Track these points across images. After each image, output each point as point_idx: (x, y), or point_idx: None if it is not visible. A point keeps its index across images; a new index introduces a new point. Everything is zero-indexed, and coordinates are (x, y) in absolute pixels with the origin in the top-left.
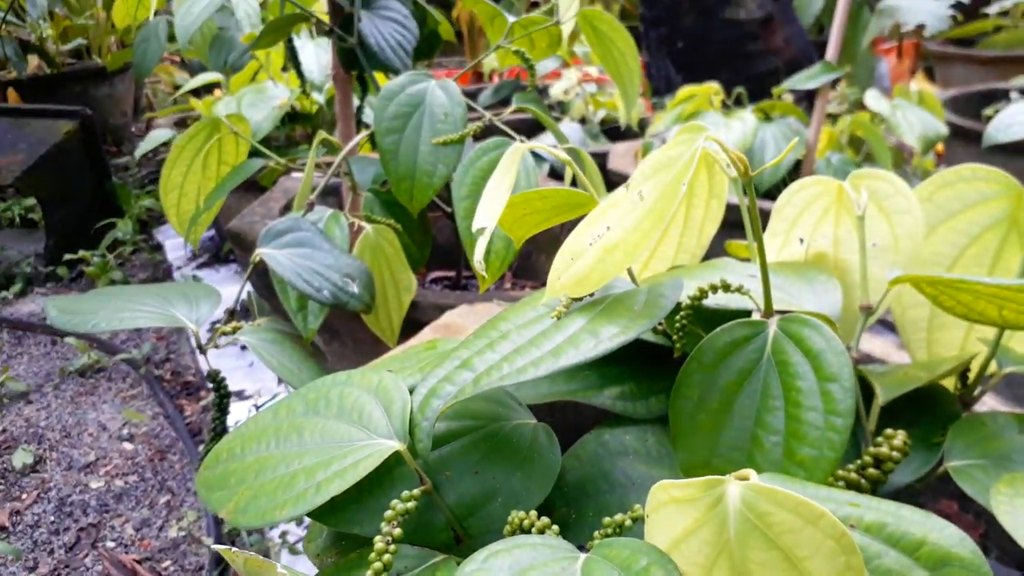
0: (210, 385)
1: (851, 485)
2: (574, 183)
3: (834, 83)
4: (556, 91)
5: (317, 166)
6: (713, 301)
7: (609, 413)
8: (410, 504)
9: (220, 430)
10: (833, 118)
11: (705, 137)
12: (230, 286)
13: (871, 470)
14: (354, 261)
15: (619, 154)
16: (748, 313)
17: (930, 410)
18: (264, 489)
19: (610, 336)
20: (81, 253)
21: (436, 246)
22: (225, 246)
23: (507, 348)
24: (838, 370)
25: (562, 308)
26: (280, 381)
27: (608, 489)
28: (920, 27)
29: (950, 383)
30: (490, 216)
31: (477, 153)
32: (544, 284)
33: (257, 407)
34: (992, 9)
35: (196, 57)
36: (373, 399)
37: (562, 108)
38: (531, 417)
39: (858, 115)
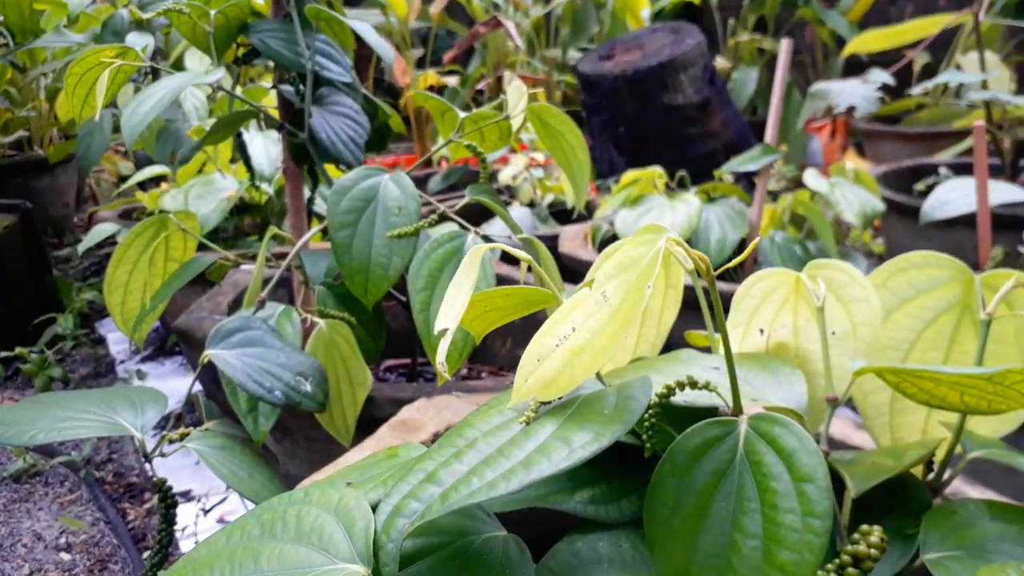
0: (156, 494)
1: None
2: (528, 269)
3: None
4: (505, 176)
5: (267, 259)
6: (680, 399)
7: (580, 518)
8: None
9: (166, 542)
10: (772, 195)
11: (666, 238)
12: (176, 379)
13: (850, 570)
14: (307, 359)
15: (569, 237)
16: (715, 410)
17: (901, 499)
18: None
19: (583, 444)
20: (18, 350)
21: (390, 333)
22: (170, 339)
23: (475, 458)
24: (812, 470)
25: (530, 413)
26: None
27: None
28: (851, 109)
29: (918, 469)
30: (452, 317)
31: (432, 245)
32: (500, 368)
33: (205, 510)
34: (916, 91)
35: (142, 148)
36: (334, 519)
37: (511, 192)
38: (500, 528)
39: (798, 194)
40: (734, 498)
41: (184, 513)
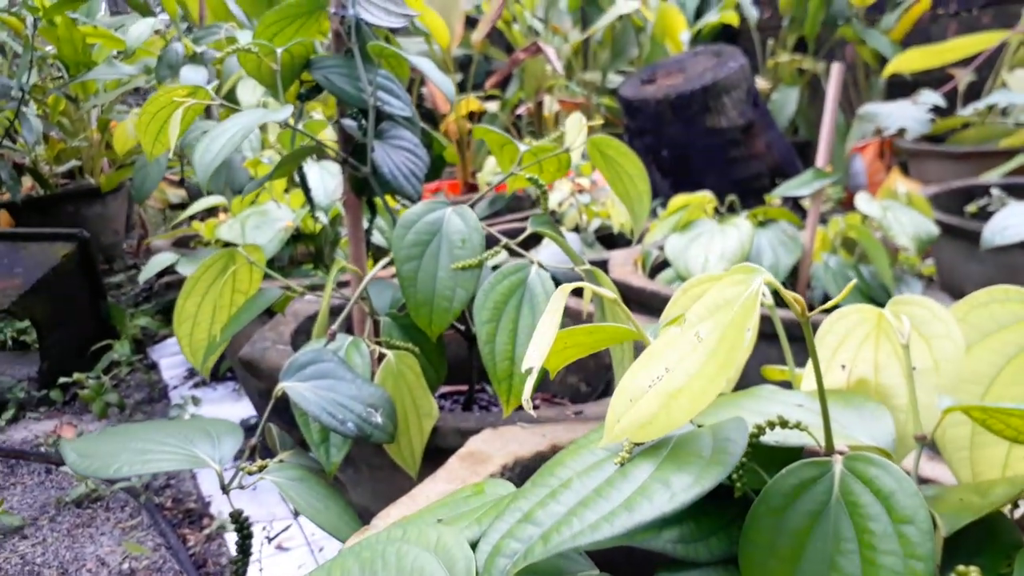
0: (231, 525)
1: None
2: (582, 292)
3: None
4: (551, 202)
5: (333, 289)
6: (771, 437)
7: (667, 557)
8: None
9: (242, 573)
10: (821, 218)
11: (762, 279)
12: (228, 404)
13: None
14: (377, 390)
15: (619, 263)
16: (801, 449)
17: (990, 538)
18: None
19: (684, 488)
20: (76, 376)
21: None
22: (224, 364)
23: (571, 499)
24: (913, 512)
25: (625, 454)
26: (298, 513)
27: None
28: (901, 131)
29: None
30: (539, 356)
31: (497, 278)
32: (554, 395)
33: (269, 538)
34: (966, 111)
35: (193, 176)
36: (434, 558)
37: (556, 218)
38: (592, 567)
39: (850, 217)
40: (831, 539)
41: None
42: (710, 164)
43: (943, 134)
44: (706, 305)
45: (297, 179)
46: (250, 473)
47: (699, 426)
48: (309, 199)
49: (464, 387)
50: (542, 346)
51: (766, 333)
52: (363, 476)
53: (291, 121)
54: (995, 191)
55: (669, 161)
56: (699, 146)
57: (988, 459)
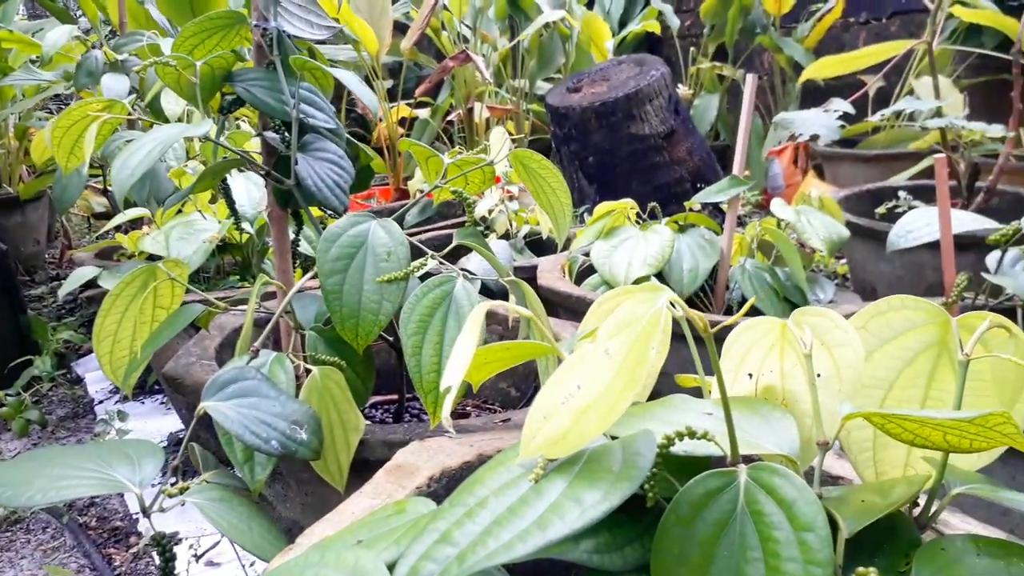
0: (154, 548)
1: None
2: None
3: None
4: (481, 209)
5: (257, 303)
6: (680, 447)
7: (585, 567)
8: None
9: None
10: (739, 221)
11: (666, 299)
12: (157, 418)
13: None
14: (301, 406)
15: (547, 269)
16: (709, 459)
17: (891, 537)
18: None
19: (594, 504)
20: None
21: (375, 371)
22: (151, 377)
23: (487, 518)
24: (812, 519)
25: (539, 471)
26: None
27: None
28: (814, 137)
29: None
30: (456, 374)
31: (423, 290)
32: (484, 400)
33: (197, 556)
34: (874, 117)
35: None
36: None
37: (487, 225)
38: None
39: (766, 221)
40: (737, 547)
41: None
42: (634, 170)
43: (856, 138)
44: (615, 322)
45: (221, 191)
46: (171, 496)
47: (613, 438)
48: (233, 211)
49: (396, 397)
50: (460, 364)
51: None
52: (292, 491)
53: (212, 135)
54: (903, 194)
55: (595, 167)
56: (623, 153)
57: (890, 459)
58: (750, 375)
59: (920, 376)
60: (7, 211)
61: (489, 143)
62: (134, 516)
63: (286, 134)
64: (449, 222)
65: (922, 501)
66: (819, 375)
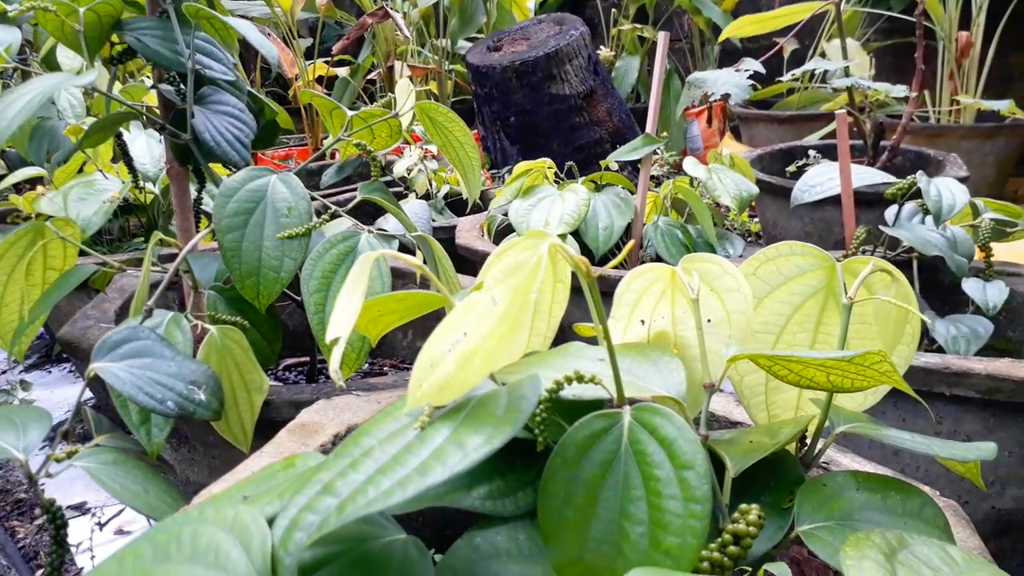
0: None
1: (714, 565)
2: (425, 261)
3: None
4: (399, 168)
5: (154, 263)
6: (569, 392)
7: (478, 514)
8: None
9: (58, 564)
10: (656, 180)
11: (548, 243)
12: (64, 388)
13: (731, 547)
14: (199, 367)
15: (465, 228)
16: (602, 402)
17: (776, 475)
18: None
19: (475, 447)
20: None
21: (288, 331)
22: (56, 346)
23: (371, 467)
24: (692, 457)
25: (425, 418)
26: None
27: None
28: (725, 96)
29: (792, 445)
30: (343, 325)
31: (325, 246)
32: (403, 360)
33: (101, 524)
34: (785, 77)
35: (14, 147)
36: (230, 537)
37: (406, 184)
38: (399, 530)
39: (678, 180)
40: (621, 487)
41: (79, 527)
42: (555, 130)
43: (771, 99)
44: (501, 269)
45: (118, 147)
46: (58, 460)
47: (503, 385)
48: (131, 168)
49: (308, 359)
50: (346, 315)
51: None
52: (199, 455)
53: (101, 85)
54: (812, 152)
55: (516, 128)
56: (544, 113)
57: (782, 403)
58: (642, 322)
59: (809, 321)
60: None
61: (395, 96)
62: (41, 486)
63: (182, 86)
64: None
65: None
66: (709, 321)
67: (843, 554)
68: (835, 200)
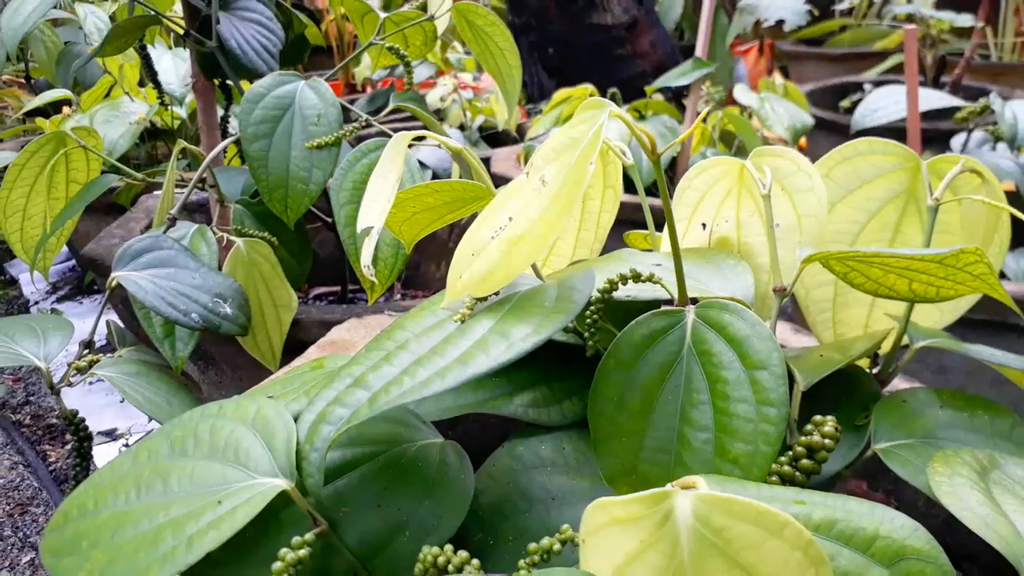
0: (101, 438)
1: (785, 479)
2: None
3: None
4: (433, 98)
5: (181, 181)
6: (623, 293)
7: (521, 422)
8: (303, 551)
9: (82, 479)
10: (701, 116)
11: (608, 113)
12: (93, 318)
13: (804, 461)
14: (225, 279)
15: (502, 158)
16: (659, 304)
17: (849, 392)
18: (123, 551)
19: (522, 337)
20: None
21: (318, 260)
22: (88, 275)
23: (406, 359)
24: (767, 356)
25: (466, 310)
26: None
27: (527, 508)
28: (779, 24)
29: (864, 362)
30: (376, 214)
31: (356, 155)
32: (436, 292)
33: (128, 444)
34: (842, 6)
35: (43, 76)
36: (251, 432)
37: (440, 116)
38: (436, 435)
39: (728, 109)
40: (682, 390)
41: (108, 453)
42: (595, 63)
43: (822, 37)
44: (552, 148)
45: (141, 60)
46: (79, 369)
47: None
48: (156, 84)
49: (339, 288)
50: (379, 202)
51: (636, 221)
52: (226, 377)
53: None
54: (868, 87)
55: (555, 60)
56: (584, 44)
57: (850, 320)
58: (704, 225)
59: (886, 229)
60: None
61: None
62: (73, 412)
63: None
64: (403, 115)
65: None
66: (778, 225)
67: (931, 470)
68: (892, 134)
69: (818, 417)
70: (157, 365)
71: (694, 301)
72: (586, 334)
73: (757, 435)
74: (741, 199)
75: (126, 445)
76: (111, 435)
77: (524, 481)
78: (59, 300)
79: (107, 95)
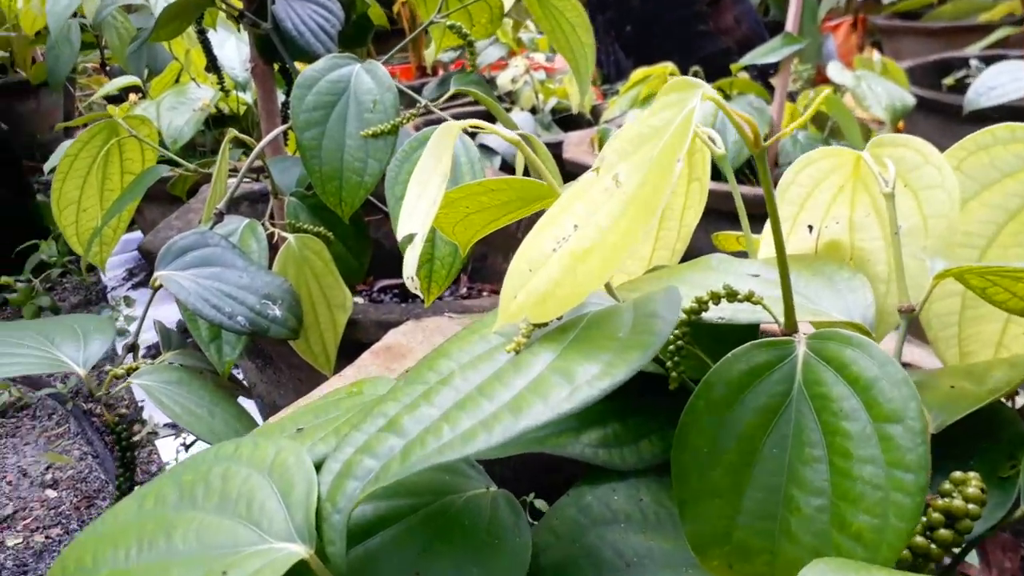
0: (164, 431)
1: (917, 554)
2: (527, 174)
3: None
4: (503, 80)
5: (234, 171)
6: (715, 314)
7: (590, 465)
8: None
9: (126, 489)
10: (790, 96)
11: (700, 95)
12: (165, 305)
13: (942, 531)
14: (275, 279)
15: (574, 143)
16: (757, 328)
17: (990, 433)
18: None
19: (589, 380)
20: (2, 279)
21: (384, 251)
22: None
23: (449, 399)
24: (901, 406)
25: (521, 339)
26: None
27: (595, 574)
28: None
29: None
30: (420, 219)
31: (412, 144)
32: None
33: (187, 445)
34: None
35: (119, 63)
36: (267, 482)
37: (511, 98)
38: (486, 481)
39: (820, 88)
40: (791, 442)
41: (171, 447)
42: (676, 40)
43: (919, 10)
44: (628, 139)
45: (201, 44)
46: (117, 377)
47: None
48: (214, 67)
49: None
50: (423, 204)
51: (723, 211)
52: (283, 376)
53: None
54: (974, 62)
55: (633, 38)
56: (665, 20)
57: (980, 337)
58: (810, 228)
59: None
60: (21, 97)
61: None
62: (140, 403)
63: None
64: (468, 99)
65: None
66: (900, 227)
67: None
68: (996, 116)
69: (958, 474)
70: (201, 371)
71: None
72: (669, 364)
73: (887, 506)
74: (856, 197)
75: (184, 444)
76: (177, 428)
77: (593, 540)
78: (135, 287)
79: (176, 81)
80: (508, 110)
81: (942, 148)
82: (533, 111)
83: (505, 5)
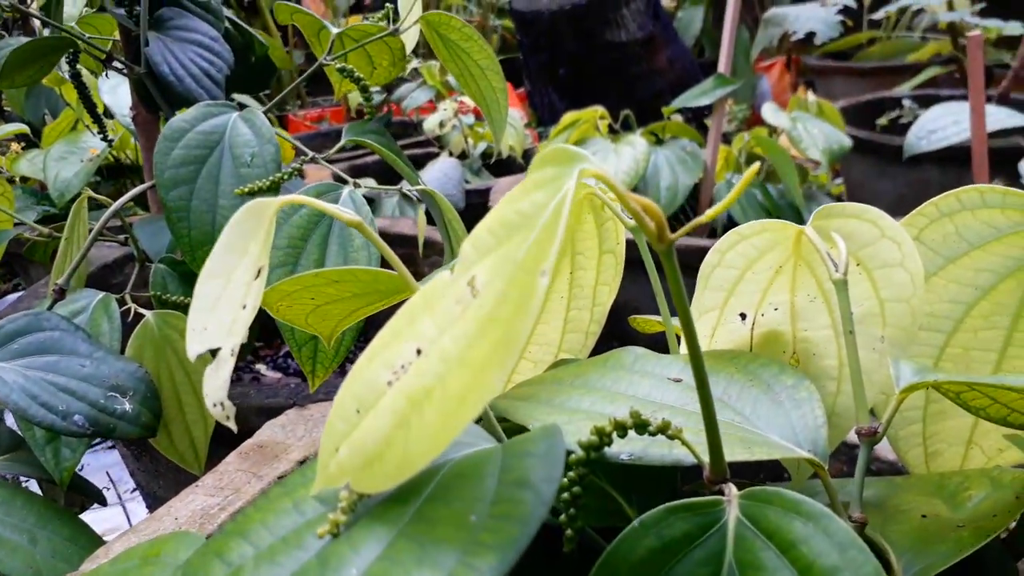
0: None
1: None
2: (427, 244)
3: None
4: (431, 124)
5: (105, 233)
6: (622, 448)
7: None
8: None
9: None
10: (725, 137)
11: (579, 172)
12: None
13: None
14: (127, 365)
15: (502, 190)
16: (679, 467)
17: (970, 570)
18: None
19: None
20: None
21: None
22: None
23: None
24: None
25: (339, 516)
26: (136, 488)
27: None
28: (806, 37)
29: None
30: (223, 329)
31: (286, 207)
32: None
33: None
34: (879, 15)
35: (13, 108)
36: None
37: (440, 143)
38: None
39: (756, 131)
40: None
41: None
42: (610, 82)
43: (849, 51)
44: (492, 228)
45: (76, 89)
46: None
47: (504, 424)
48: (94, 116)
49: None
50: (221, 313)
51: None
52: (162, 466)
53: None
54: (907, 102)
55: (566, 80)
56: (598, 63)
57: (947, 434)
58: (743, 316)
59: (1002, 312)
60: None
61: (393, 6)
62: None
63: (136, 7)
64: (413, 139)
65: None
66: (851, 312)
67: None
68: (935, 158)
69: None
70: (24, 487)
71: (734, 469)
72: (563, 518)
73: None
74: (798, 279)
75: None
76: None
77: None
78: None
79: (73, 128)
80: (436, 155)
81: (878, 189)
82: (463, 156)
83: (407, 45)
